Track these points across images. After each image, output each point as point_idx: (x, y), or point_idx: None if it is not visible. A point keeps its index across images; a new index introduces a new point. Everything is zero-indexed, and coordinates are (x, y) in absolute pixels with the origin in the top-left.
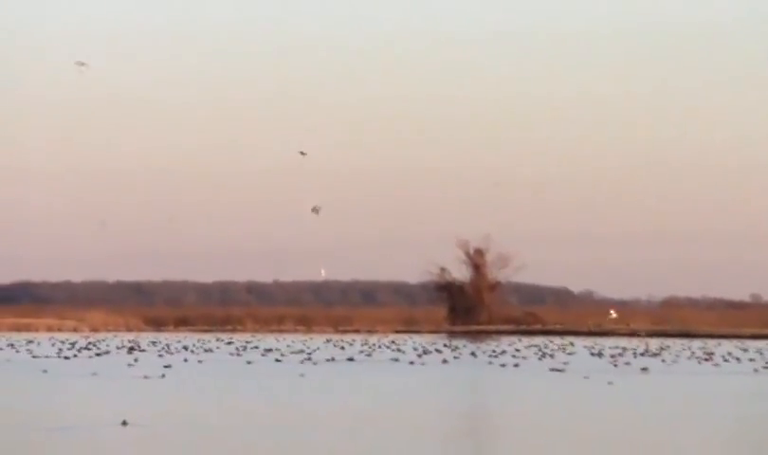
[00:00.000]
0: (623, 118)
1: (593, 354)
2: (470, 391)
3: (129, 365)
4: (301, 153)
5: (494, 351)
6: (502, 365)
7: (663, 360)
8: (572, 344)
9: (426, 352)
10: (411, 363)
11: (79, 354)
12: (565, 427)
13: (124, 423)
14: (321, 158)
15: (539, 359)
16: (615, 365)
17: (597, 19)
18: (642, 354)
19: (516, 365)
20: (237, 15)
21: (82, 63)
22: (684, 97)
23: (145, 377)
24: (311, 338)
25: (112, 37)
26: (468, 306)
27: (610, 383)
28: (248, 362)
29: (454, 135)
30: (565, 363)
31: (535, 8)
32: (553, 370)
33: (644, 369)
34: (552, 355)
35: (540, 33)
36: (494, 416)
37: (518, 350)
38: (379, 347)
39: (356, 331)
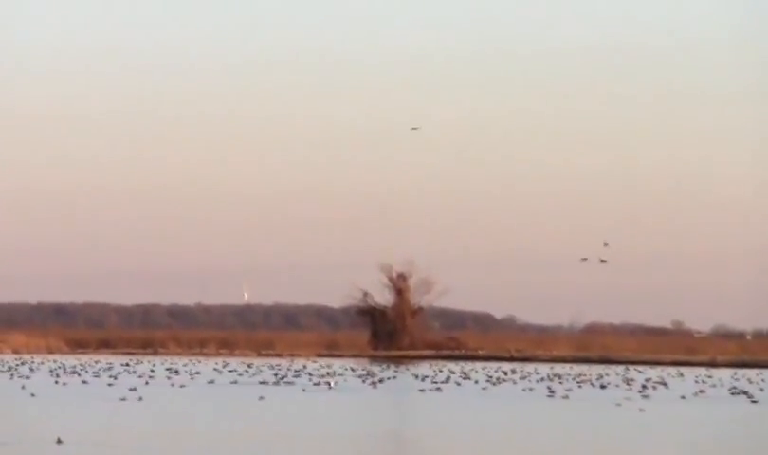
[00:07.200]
0: (546, 141)
1: (522, 378)
2: (389, 415)
3: (61, 384)
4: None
5: (417, 375)
6: (422, 390)
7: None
8: (500, 369)
9: (347, 376)
10: (332, 387)
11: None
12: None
13: (59, 441)
14: (244, 180)
15: (458, 384)
16: (552, 391)
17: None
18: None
19: (438, 389)
20: None
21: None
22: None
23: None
24: (222, 362)
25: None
26: (391, 331)
27: (548, 396)
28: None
29: (378, 158)
30: (488, 388)
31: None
32: (476, 393)
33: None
34: (476, 380)
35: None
36: (412, 440)
37: (438, 375)
38: (298, 370)
39: (279, 355)
